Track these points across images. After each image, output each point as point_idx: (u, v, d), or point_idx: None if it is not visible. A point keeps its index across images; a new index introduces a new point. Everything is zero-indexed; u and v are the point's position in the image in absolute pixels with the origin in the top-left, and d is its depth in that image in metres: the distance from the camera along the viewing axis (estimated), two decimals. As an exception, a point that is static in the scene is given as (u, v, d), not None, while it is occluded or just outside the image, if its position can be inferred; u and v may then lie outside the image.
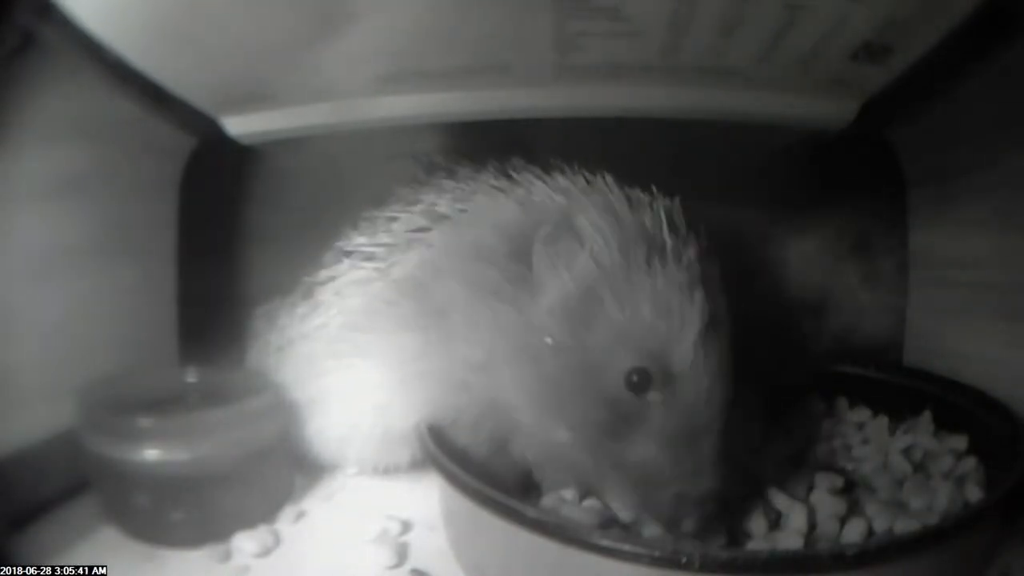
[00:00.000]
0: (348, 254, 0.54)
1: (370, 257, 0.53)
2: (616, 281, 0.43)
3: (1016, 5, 0.45)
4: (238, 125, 0.60)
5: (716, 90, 0.55)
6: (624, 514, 0.43)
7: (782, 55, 0.50)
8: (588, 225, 0.44)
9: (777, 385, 0.59)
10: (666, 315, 0.43)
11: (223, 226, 0.73)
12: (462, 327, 0.47)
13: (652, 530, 0.42)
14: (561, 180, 0.49)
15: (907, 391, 0.59)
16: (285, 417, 0.55)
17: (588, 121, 0.58)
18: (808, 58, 0.51)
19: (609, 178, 0.49)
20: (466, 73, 0.54)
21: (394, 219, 0.53)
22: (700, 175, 0.69)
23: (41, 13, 0.44)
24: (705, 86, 0.55)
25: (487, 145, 0.57)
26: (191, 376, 0.59)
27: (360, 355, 0.52)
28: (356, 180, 0.69)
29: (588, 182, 0.49)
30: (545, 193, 0.49)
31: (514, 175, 0.51)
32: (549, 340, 0.44)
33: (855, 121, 0.58)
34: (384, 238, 0.53)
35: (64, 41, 0.46)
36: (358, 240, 0.54)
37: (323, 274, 0.56)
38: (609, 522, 0.43)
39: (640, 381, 0.42)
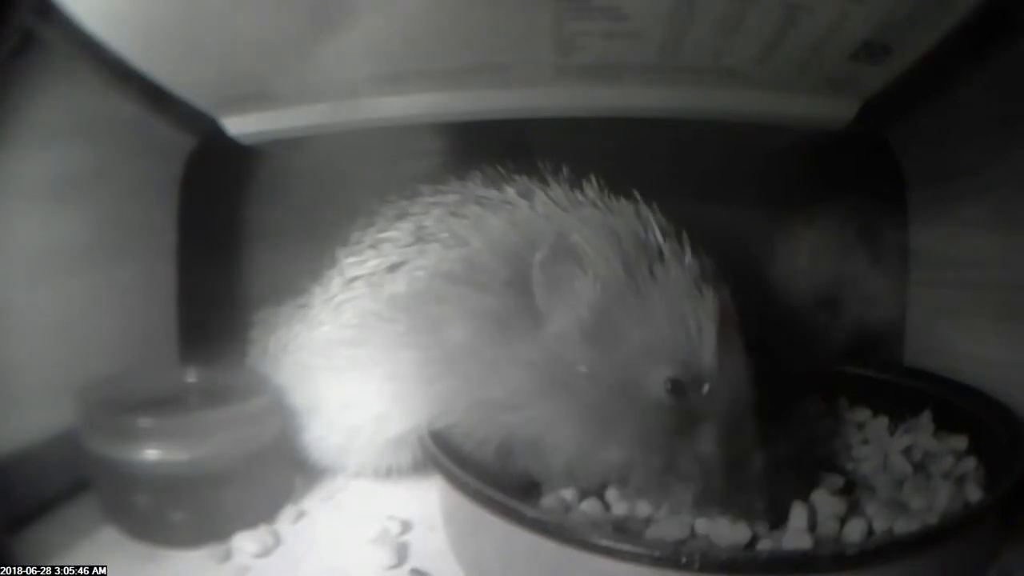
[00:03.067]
0: (339, 274, 0.55)
1: (359, 277, 0.53)
2: (626, 297, 0.43)
3: (1016, 5, 0.45)
4: (238, 125, 0.60)
5: (716, 90, 0.55)
6: (686, 510, 0.43)
7: (782, 55, 0.50)
8: (585, 244, 0.44)
9: (777, 384, 0.59)
10: (682, 320, 0.43)
11: (223, 226, 0.73)
12: (471, 362, 0.47)
13: (718, 522, 0.43)
14: (548, 193, 0.49)
15: (907, 391, 0.59)
16: (285, 417, 0.55)
17: (588, 121, 0.58)
18: (808, 58, 0.51)
19: (593, 188, 0.49)
20: (466, 73, 0.54)
21: (383, 239, 0.53)
22: (699, 175, 0.69)
23: (41, 13, 0.44)
24: (705, 86, 0.55)
25: (486, 145, 0.57)
26: (191, 376, 0.59)
27: (356, 368, 0.52)
28: (356, 180, 0.69)
29: (574, 192, 0.49)
30: (534, 210, 0.48)
31: (501, 186, 0.51)
32: (583, 368, 0.44)
33: (855, 121, 0.58)
34: (373, 258, 0.53)
35: (64, 41, 0.46)
36: (348, 261, 0.54)
37: (316, 290, 0.56)
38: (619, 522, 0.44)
39: (677, 388, 0.43)
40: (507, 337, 0.45)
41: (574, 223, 0.46)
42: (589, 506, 0.47)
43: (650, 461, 0.44)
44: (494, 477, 0.45)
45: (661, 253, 0.45)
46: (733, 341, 0.44)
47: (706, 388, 0.43)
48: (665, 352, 0.43)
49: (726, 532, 0.42)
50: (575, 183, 0.50)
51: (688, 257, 0.45)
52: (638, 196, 0.48)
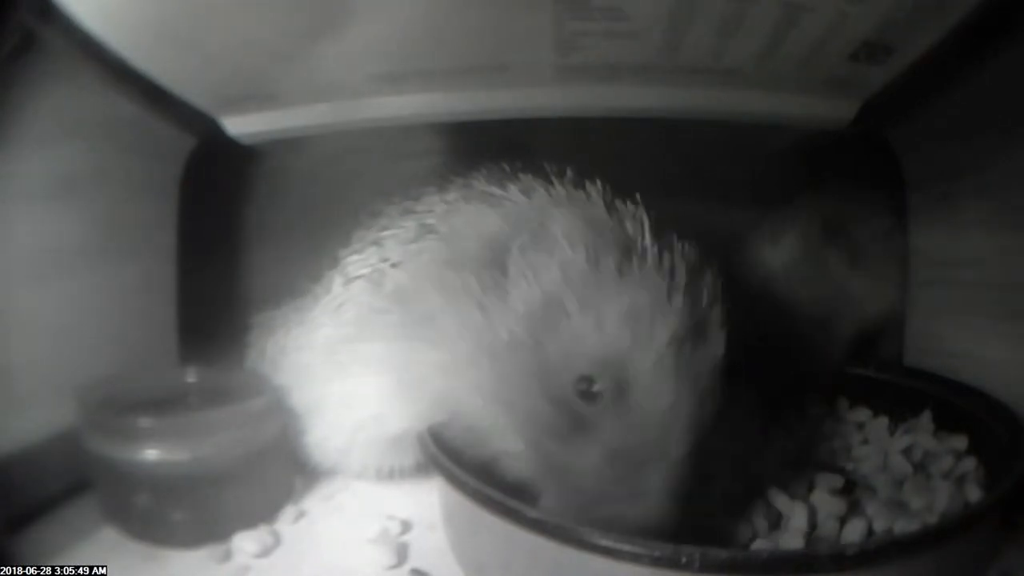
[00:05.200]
0: (340, 273, 0.55)
1: (361, 276, 0.53)
2: (581, 288, 0.42)
3: (1016, 5, 0.45)
4: (238, 125, 0.61)
5: (716, 90, 0.55)
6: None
7: (782, 55, 0.50)
8: (560, 234, 0.43)
9: (777, 385, 0.59)
10: (632, 324, 0.40)
11: (223, 226, 0.74)
12: (436, 333, 0.47)
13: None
14: (545, 190, 0.49)
15: (907, 391, 0.59)
16: (285, 417, 0.55)
17: (588, 121, 0.58)
18: (808, 58, 0.51)
19: (594, 187, 0.48)
20: (466, 73, 0.54)
21: (386, 237, 0.53)
22: (699, 175, 0.69)
23: (41, 13, 0.44)
24: (705, 86, 0.55)
25: (486, 145, 0.57)
26: (191, 376, 0.59)
27: (355, 365, 0.52)
28: (356, 180, 0.69)
29: (573, 190, 0.49)
30: (526, 204, 0.48)
31: (502, 184, 0.50)
32: (506, 336, 0.43)
33: (855, 121, 0.58)
34: (375, 256, 0.53)
35: (64, 41, 0.46)
36: (350, 260, 0.54)
37: (318, 290, 0.56)
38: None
39: (588, 389, 0.41)
40: (466, 307, 0.45)
41: (556, 214, 0.45)
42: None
43: (536, 458, 0.43)
44: (494, 477, 0.45)
45: (643, 255, 0.43)
46: (692, 367, 0.40)
47: (624, 401, 0.40)
48: (593, 348, 0.41)
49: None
50: (579, 183, 0.50)
51: (674, 263, 0.42)
52: (639, 199, 0.47)
